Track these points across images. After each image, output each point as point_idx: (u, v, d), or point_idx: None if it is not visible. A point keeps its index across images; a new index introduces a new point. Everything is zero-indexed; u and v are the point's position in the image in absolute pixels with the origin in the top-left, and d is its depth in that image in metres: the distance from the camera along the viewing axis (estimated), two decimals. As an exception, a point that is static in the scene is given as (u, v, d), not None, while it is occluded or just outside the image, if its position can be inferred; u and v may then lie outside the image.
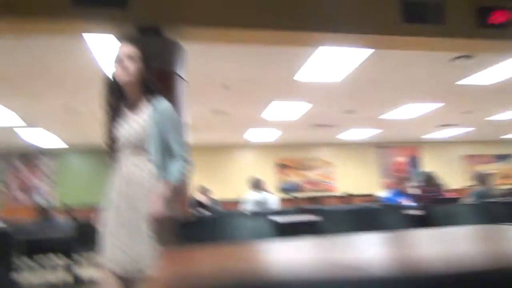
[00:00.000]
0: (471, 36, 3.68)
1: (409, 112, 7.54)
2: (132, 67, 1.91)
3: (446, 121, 8.56)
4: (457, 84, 5.67)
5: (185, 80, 3.38)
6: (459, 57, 4.56)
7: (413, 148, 11.80)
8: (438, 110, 7.36)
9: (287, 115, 7.63)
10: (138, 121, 1.90)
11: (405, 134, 10.22)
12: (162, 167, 1.87)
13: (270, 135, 9.85)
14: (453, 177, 10.16)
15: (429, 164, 11.48)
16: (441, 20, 3.57)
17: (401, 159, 11.79)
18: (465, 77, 5.39)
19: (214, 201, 6.88)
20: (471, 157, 11.87)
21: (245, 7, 3.34)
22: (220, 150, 11.03)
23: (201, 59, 4.67)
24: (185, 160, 1.92)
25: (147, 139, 1.88)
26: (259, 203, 5.43)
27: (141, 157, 1.88)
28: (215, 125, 8.39)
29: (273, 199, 5.71)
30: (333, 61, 4.80)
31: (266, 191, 5.89)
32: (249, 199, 5.45)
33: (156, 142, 1.88)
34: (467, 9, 3.65)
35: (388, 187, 11.36)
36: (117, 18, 3.12)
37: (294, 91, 6.00)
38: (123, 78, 1.91)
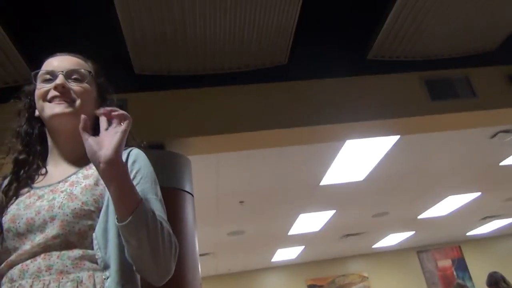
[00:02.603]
0: (508, 105, 3.28)
1: (448, 206, 6.81)
2: (79, 91, 1.02)
3: (489, 212, 7.74)
4: (501, 165, 5.10)
5: (193, 196, 2.89)
6: (498, 133, 4.09)
7: (457, 249, 10.61)
8: (480, 200, 6.64)
9: (311, 227, 6.95)
10: (78, 188, 0.94)
11: (446, 233, 9.26)
12: (128, 281, 0.88)
13: (295, 252, 8.99)
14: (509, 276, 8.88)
15: (477, 264, 10.20)
16: (472, 92, 3.23)
17: (447, 263, 10.52)
18: (509, 154, 4.84)
19: None
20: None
21: (257, 108, 3.02)
22: (242, 277, 10.02)
23: (212, 174, 4.27)
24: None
25: (97, 222, 0.91)
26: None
27: (77, 264, 0.86)
28: (235, 248, 7.69)
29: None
30: (356, 157, 4.38)
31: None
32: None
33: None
34: (496, 78, 3.33)
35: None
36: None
37: (319, 198, 5.47)
38: (57, 111, 0.98)
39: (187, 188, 2.85)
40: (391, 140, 4.04)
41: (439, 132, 3.71)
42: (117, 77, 2.73)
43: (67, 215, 0.88)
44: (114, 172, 0.81)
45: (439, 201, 6.48)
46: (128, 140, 1.06)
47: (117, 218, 0.83)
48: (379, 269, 10.33)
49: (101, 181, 0.92)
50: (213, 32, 2.65)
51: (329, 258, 10.29)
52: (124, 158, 0.98)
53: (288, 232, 7.07)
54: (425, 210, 6.93)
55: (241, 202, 5.19)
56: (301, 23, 2.74)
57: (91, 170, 0.99)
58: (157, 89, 2.98)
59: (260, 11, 2.55)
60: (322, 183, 4.95)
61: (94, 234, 0.88)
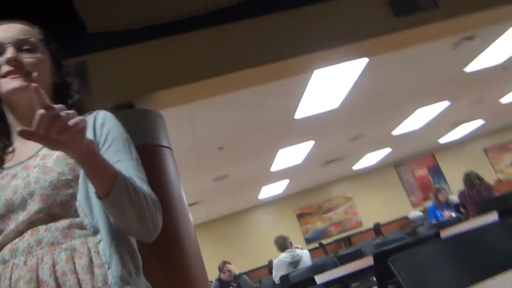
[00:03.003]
0: (472, 10, 3.27)
1: (419, 119, 7.01)
2: (33, 62, 0.95)
3: (459, 117, 8.03)
4: (466, 71, 5.21)
5: (171, 149, 2.86)
6: (461, 41, 4.13)
7: (431, 157, 11.13)
8: (448, 108, 6.85)
9: (293, 160, 7.10)
10: (51, 160, 0.90)
11: (420, 144, 9.65)
12: (117, 247, 0.85)
13: (280, 187, 9.26)
14: (484, 174, 9.47)
15: (451, 168, 10.81)
16: (434, 3, 3.19)
17: (423, 171, 11.08)
18: (471, 61, 4.93)
19: (239, 276, 6.00)
20: (493, 148, 11.19)
21: (223, 51, 2.91)
22: (233, 218, 10.36)
23: (186, 125, 4.22)
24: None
25: (77, 190, 0.88)
26: (293, 263, 4.72)
27: (67, 234, 0.84)
28: (222, 193, 7.85)
29: (306, 255, 5.00)
30: (327, 87, 4.38)
31: (295, 248, 5.19)
32: (281, 262, 4.74)
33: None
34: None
35: (419, 204, 10.61)
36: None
37: (296, 131, 5.53)
38: (14, 86, 0.92)
39: (164, 143, 2.81)
40: (360, 64, 4.02)
41: (406, 48, 3.71)
42: (72, 40, 2.58)
43: (46, 188, 0.85)
44: (82, 155, 0.76)
45: (409, 115, 6.65)
46: (92, 104, 1.03)
47: (96, 193, 0.81)
48: (362, 188, 10.83)
49: None
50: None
51: (314, 186, 10.67)
52: (91, 122, 0.95)
53: (270, 169, 7.21)
54: (398, 126, 7.14)
55: (220, 148, 5.20)
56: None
57: None
58: (116, 46, 2.82)
59: None
60: (296, 116, 4.98)
61: (77, 203, 0.86)
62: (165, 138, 2.83)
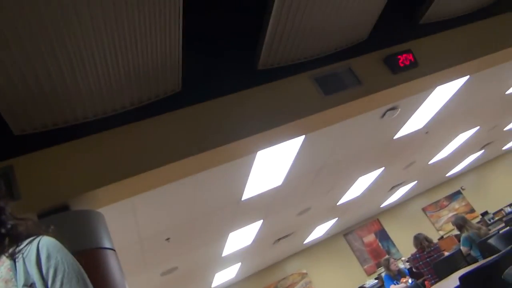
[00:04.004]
0: (391, 85, 3.59)
1: (360, 186, 7.28)
2: None
3: (394, 182, 8.47)
4: (395, 139, 5.59)
5: (114, 250, 2.64)
6: (386, 112, 4.47)
7: (377, 222, 11.42)
8: (384, 173, 7.21)
9: (242, 242, 6.90)
10: None
11: (365, 211, 9.93)
12: None
13: (233, 271, 8.86)
14: (426, 233, 9.83)
15: (396, 230, 11.12)
16: (357, 81, 3.48)
17: (371, 237, 11.26)
18: (398, 129, 5.32)
19: None
20: (430, 206, 11.77)
21: (161, 141, 2.87)
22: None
23: (129, 220, 3.99)
24: None
25: None
26: None
27: None
28: (172, 287, 7.31)
29: None
30: (269, 166, 4.46)
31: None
32: None
33: None
34: (374, 63, 3.63)
35: (372, 271, 10.59)
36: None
37: (243, 213, 5.44)
38: None
39: (106, 244, 2.60)
40: (297, 142, 4.16)
41: (338, 122, 3.92)
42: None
43: None
44: None
45: (352, 184, 6.89)
46: (33, 229, 0.91)
47: None
48: (315, 262, 10.67)
49: (10, 279, 0.79)
50: (93, 78, 2.47)
51: (268, 266, 10.34)
52: (33, 255, 0.84)
53: (222, 254, 6.93)
54: (342, 196, 7.32)
55: (167, 239, 4.94)
56: (186, 47, 2.70)
57: None
58: (45, 146, 2.67)
59: (139, 46, 2.44)
60: (243, 198, 4.93)
61: None
62: (106, 239, 2.62)
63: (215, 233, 5.73)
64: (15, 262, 0.83)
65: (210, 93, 3.08)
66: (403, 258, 9.25)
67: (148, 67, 2.64)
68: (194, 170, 3.19)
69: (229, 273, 8.76)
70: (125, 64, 2.51)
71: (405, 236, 10.93)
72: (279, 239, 8.18)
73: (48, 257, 0.84)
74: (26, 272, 0.82)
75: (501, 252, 3.18)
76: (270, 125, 3.10)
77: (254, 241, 7.14)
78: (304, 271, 10.61)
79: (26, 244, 0.86)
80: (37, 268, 0.83)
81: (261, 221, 6.27)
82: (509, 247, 3.17)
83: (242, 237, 6.53)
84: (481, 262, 4.14)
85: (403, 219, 11.26)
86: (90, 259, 2.48)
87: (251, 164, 4.14)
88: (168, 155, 2.81)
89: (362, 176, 6.71)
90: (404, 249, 10.66)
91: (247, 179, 4.48)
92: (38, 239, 0.87)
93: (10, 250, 0.85)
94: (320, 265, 10.64)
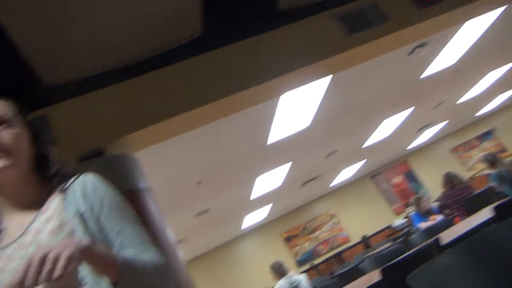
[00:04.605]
0: (418, 20, 3.46)
1: (387, 128, 7.22)
2: (11, 138, 0.95)
3: (423, 122, 8.33)
4: (423, 77, 5.44)
5: (150, 191, 2.82)
6: (414, 49, 4.33)
7: (405, 163, 11.40)
8: (413, 114, 7.10)
9: (272, 185, 7.11)
10: (44, 235, 0.90)
11: (392, 152, 9.90)
12: None
13: (263, 213, 9.21)
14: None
15: (424, 172, 11.08)
16: (384, 17, 3.36)
17: (399, 178, 11.30)
18: (427, 66, 5.17)
19: None
20: (459, 146, 11.58)
21: (188, 86, 2.95)
22: (221, 251, 10.16)
23: (162, 164, 4.18)
24: (158, 258, 0.95)
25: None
26: (291, 290, 4.61)
27: None
28: (206, 227, 7.72)
29: (304, 280, 4.91)
30: (296, 108, 4.48)
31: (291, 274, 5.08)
32: (280, 289, 4.62)
33: None
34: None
35: (401, 211, 10.75)
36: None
37: (271, 156, 5.57)
38: None
39: (143, 185, 2.77)
40: (324, 82, 4.14)
41: (364, 62, 3.85)
42: (30, 94, 2.55)
43: None
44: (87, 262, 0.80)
45: (379, 126, 6.84)
46: (76, 169, 1.03)
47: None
48: (343, 203, 10.90)
49: (67, 220, 0.90)
50: (115, 23, 2.51)
51: (296, 208, 10.66)
52: (80, 189, 0.96)
53: (250, 197, 7.19)
54: (369, 137, 7.30)
55: (198, 182, 5.16)
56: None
57: (48, 212, 0.94)
58: (77, 94, 2.80)
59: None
60: (269, 142, 5.03)
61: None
62: (142, 181, 2.80)
63: (243, 177, 5.92)
64: (65, 196, 0.95)
65: (231, 37, 3.08)
66: (431, 199, 9.30)
67: (168, 12, 2.65)
68: (220, 115, 3.28)
69: (259, 215, 9.12)
70: (148, 9, 2.53)
71: (434, 177, 10.89)
72: (306, 182, 8.36)
73: (93, 190, 0.96)
74: (75, 204, 0.94)
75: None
76: (294, 66, 3.09)
77: (281, 184, 7.35)
78: (333, 212, 10.89)
79: (73, 181, 0.98)
80: (84, 199, 0.94)
81: (288, 164, 6.41)
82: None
83: (270, 180, 6.73)
84: None
85: (432, 160, 11.17)
86: (129, 201, 2.66)
87: (275, 107, 4.18)
88: (195, 99, 2.90)
89: (390, 117, 6.63)
90: (433, 190, 10.69)
91: (271, 123, 4.54)
92: (82, 176, 0.99)
93: (60, 187, 0.97)
94: (348, 206, 10.87)
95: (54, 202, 0.95)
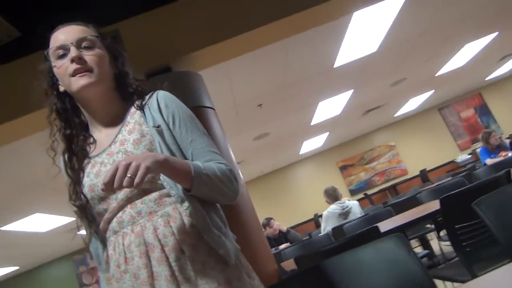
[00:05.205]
0: None
1: (466, 55, 6.58)
2: (94, 59, 1.04)
3: (508, 50, 7.48)
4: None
5: (214, 109, 2.84)
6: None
7: (478, 96, 10.56)
8: (497, 39, 6.36)
9: (332, 112, 6.95)
10: (129, 144, 1.03)
11: (465, 83, 9.15)
12: (203, 210, 0.99)
13: (321, 140, 9.16)
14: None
15: (499, 106, 10.25)
16: None
17: (469, 112, 10.57)
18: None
19: (287, 232, 5.98)
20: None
21: (256, 3, 2.80)
22: (276, 175, 10.45)
23: (224, 85, 4.17)
24: (229, 170, 1.04)
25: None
26: (343, 215, 4.70)
27: (160, 203, 0.99)
28: (264, 151, 7.87)
29: (356, 206, 4.96)
30: (364, 30, 4.16)
31: (344, 199, 5.13)
32: (331, 214, 4.73)
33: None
34: None
35: (467, 147, 10.22)
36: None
37: (335, 81, 5.36)
38: (82, 83, 1.01)
39: (207, 104, 2.80)
40: (398, 1, 3.76)
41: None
42: (101, 9, 2.56)
43: None
44: (162, 171, 0.91)
45: (456, 52, 6.25)
46: (151, 86, 1.14)
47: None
48: (405, 135, 10.53)
49: (146, 131, 1.04)
50: None
51: (355, 137, 10.51)
52: (155, 104, 1.07)
53: (310, 122, 7.12)
54: (443, 65, 6.75)
55: (259, 105, 5.15)
56: None
57: (130, 125, 1.07)
58: (145, 10, 2.78)
59: None
60: (336, 65, 4.80)
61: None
62: (207, 99, 2.81)
63: (305, 101, 5.81)
64: (143, 111, 1.08)
65: None
66: (505, 139, 8.66)
67: None
68: (287, 33, 3.12)
69: (317, 141, 9.10)
70: None
71: (509, 113, 10.09)
72: (368, 111, 8.09)
73: (167, 106, 1.07)
74: (152, 117, 1.06)
75: None
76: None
77: (343, 111, 7.16)
78: (392, 143, 10.61)
79: (149, 98, 1.09)
80: (159, 114, 1.06)
81: (352, 90, 6.17)
82: None
83: (331, 107, 6.57)
84: None
85: (509, 95, 10.24)
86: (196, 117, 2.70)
87: (345, 28, 3.91)
88: (261, 17, 2.77)
89: (470, 43, 6.00)
90: (507, 126, 9.95)
91: (340, 45, 4.29)
92: (156, 93, 1.10)
93: (138, 103, 1.10)
94: (410, 138, 10.50)
95: (134, 117, 1.08)
